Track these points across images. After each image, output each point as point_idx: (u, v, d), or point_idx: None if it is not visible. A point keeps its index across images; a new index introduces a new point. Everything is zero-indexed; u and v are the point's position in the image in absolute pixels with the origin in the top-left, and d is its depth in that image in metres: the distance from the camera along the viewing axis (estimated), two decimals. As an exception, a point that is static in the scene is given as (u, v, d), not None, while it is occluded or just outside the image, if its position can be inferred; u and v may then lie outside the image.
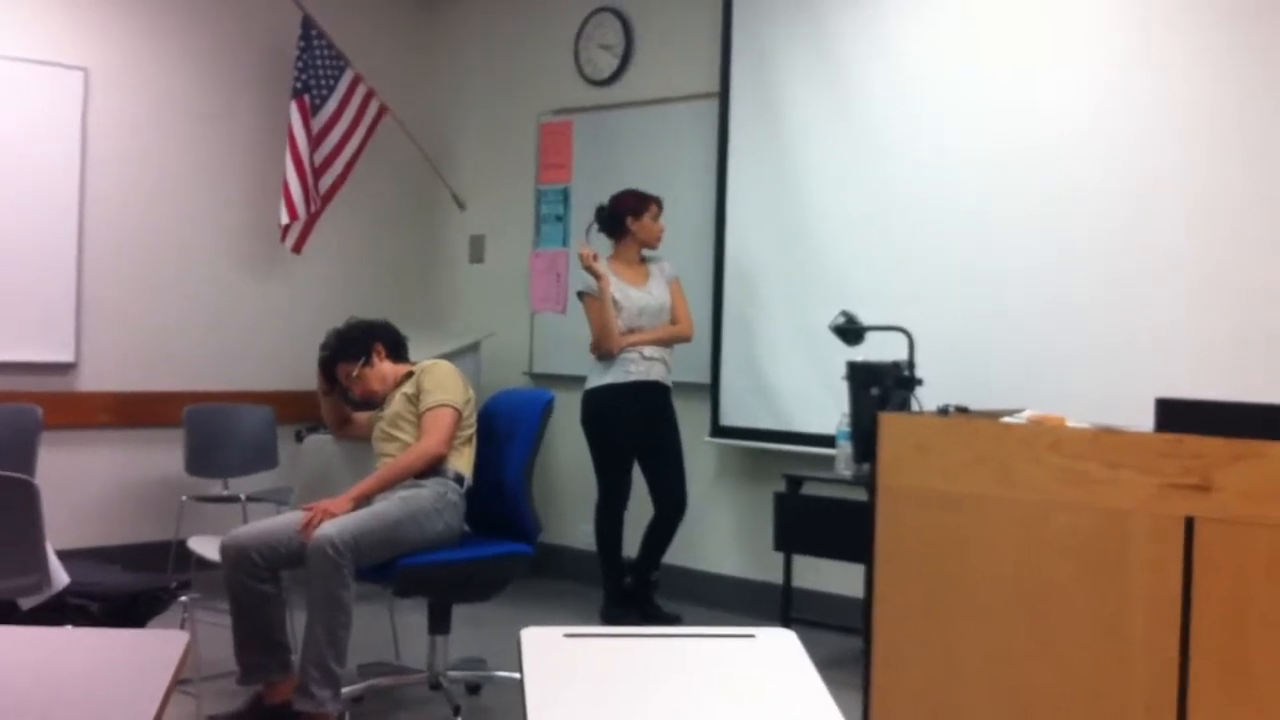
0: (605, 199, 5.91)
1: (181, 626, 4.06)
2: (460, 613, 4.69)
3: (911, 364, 4.74)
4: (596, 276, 5.67)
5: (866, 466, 4.00)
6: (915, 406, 4.63)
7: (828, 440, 5.28)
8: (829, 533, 4.96)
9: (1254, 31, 4.66)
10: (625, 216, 5.81)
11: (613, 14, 6.75)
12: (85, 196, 6.23)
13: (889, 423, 3.48)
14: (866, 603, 3.49)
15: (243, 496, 5.99)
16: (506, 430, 4.68)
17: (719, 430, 6.13)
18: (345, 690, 4.23)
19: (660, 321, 5.80)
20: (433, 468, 4.47)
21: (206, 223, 6.68)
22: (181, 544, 5.30)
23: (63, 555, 3.71)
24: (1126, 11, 4.96)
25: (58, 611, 3.65)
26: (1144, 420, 3.19)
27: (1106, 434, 3.11)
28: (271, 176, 6.69)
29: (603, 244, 5.90)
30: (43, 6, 6.16)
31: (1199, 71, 4.77)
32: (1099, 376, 4.90)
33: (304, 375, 5.57)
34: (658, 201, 5.85)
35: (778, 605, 5.33)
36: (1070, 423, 3.33)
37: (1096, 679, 3.06)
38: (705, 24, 6.30)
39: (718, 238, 6.13)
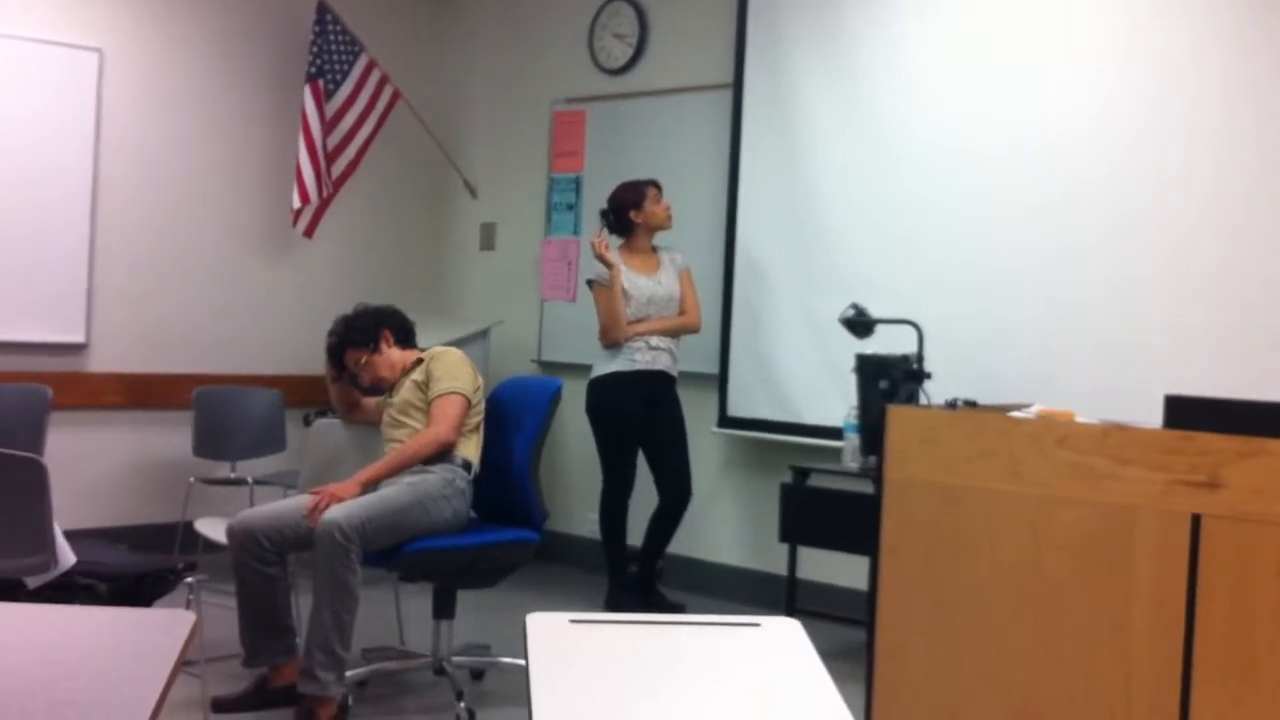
0: (616, 190, 5.90)
1: (187, 607, 4.07)
2: (465, 598, 4.70)
3: (920, 357, 4.73)
4: (608, 265, 5.67)
5: (873, 459, 4.00)
6: (923, 400, 4.63)
7: (835, 432, 5.27)
8: (835, 525, 4.96)
9: (1259, 27, 4.64)
10: (627, 211, 5.81)
11: (627, 3, 6.74)
12: (98, 177, 6.24)
13: (897, 416, 3.48)
14: (871, 595, 3.49)
15: (250, 479, 6.01)
16: (514, 417, 4.69)
17: (726, 421, 6.13)
18: (350, 674, 4.24)
19: (669, 311, 5.80)
20: (441, 454, 4.48)
21: (218, 206, 6.69)
22: (188, 525, 5.32)
23: (70, 535, 3.72)
24: (1131, 8, 4.95)
25: (64, 590, 3.67)
26: (1153, 417, 3.18)
27: (1115, 430, 3.11)
28: (284, 160, 6.70)
29: (616, 242, 5.89)
30: (58, -13, 6.17)
31: (1205, 67, 4.76)
32: (1108, 372, 4.89)
33: (313, 359, 5.57)
34: (654, 184, 5.84)
35: (782, 596, 5.33)
36: (1079, 418, 3.33)
37: (1100, 675, 3.06)
38: (719, 15, 6.29)
39: (729, 229, 6.13)
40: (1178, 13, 4.84)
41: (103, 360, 6.31)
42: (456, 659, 4.62)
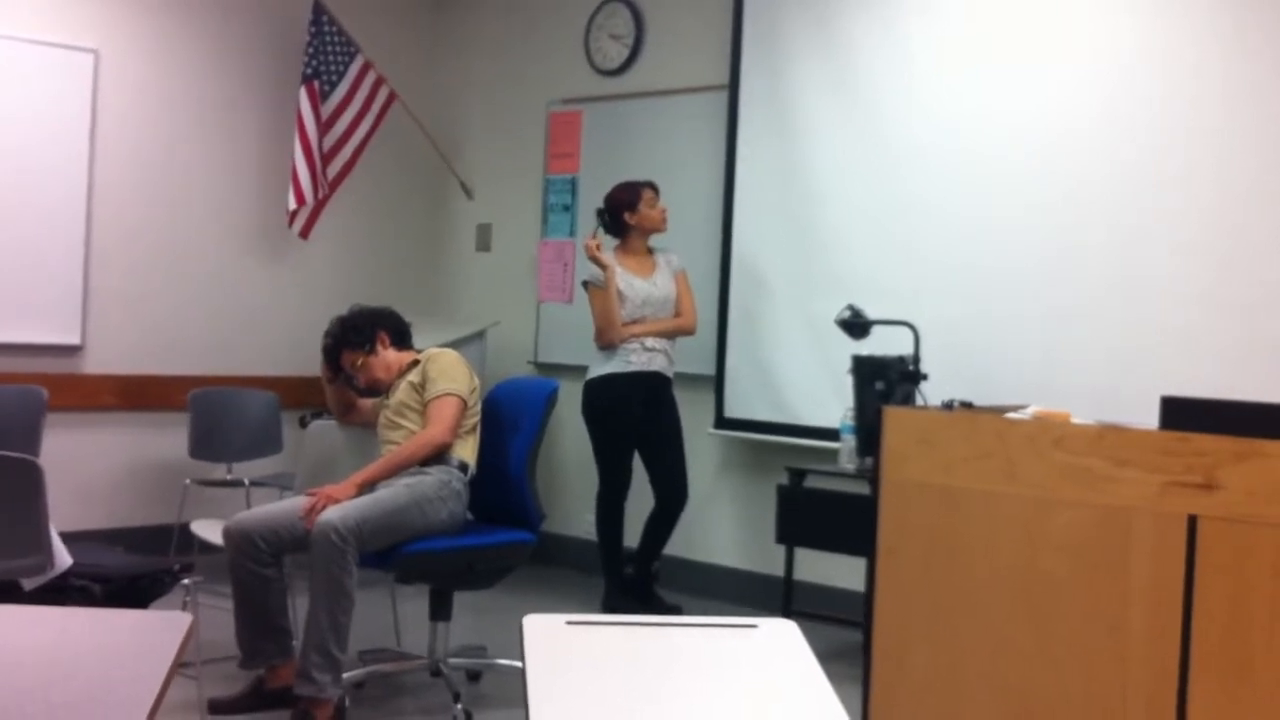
0: (612, 190, 5.90)
1: (184, 609, 4.07)
2: (462, 600, 4.70)
3: (917, 358, 4.74)
4: (602, 267, 5.68)
5: (870, 460, 4.00)
6: (920, 401, 4.63)
7: (831, 434, 5.27)
8: (831, 526, 4.96)
9: (1259, 27, 4.65)
10: (622, 212, 5.81)
11: (623, 4, 6.74)
12: (94, 179, 6.24)
13: (893, 417, 3.48)
14: (868, 596, 3.49)
15: (246, 481, 6.00)
16: (510, 419, 4.69)
17: (723, 422, 6.13)
18: (346, 675, 4.23)
19: (665, 313, 5.80)
20: (437, 455, 4.47)
21: (214, 207, 6.68)
22: (184, 527, 5.31)
23: (66, 537, 3.72)
24: (1132, 9, 4.96)
25: (60, 592, 3.66)
26: (1149, 418, 3.19)
27: (1111, 431, 3.11)
28: (280, 161, 6.69)
29: (612, 243, 5.89)
30: (53, -12, 6.16)
31: (1205, 67, 4.77)
32: (1105, 374, 4.90)
33: (309, 361, 5.57)
34: (650, 186, 5.84)
35: (779, 598, 5.34)
36: (1075, 419, 3.33)
37: (1097, 676, 3.06)
38: (716, 16, 6.30)
39: (725, 230, 6.13)
40: (1178, 13, 4.84)
41: (98, 362, 6.30)
42: (453, 660, 4.62)
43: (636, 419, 5.76)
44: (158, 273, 6.49)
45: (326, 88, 6.70)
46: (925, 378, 4.71)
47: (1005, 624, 3.20)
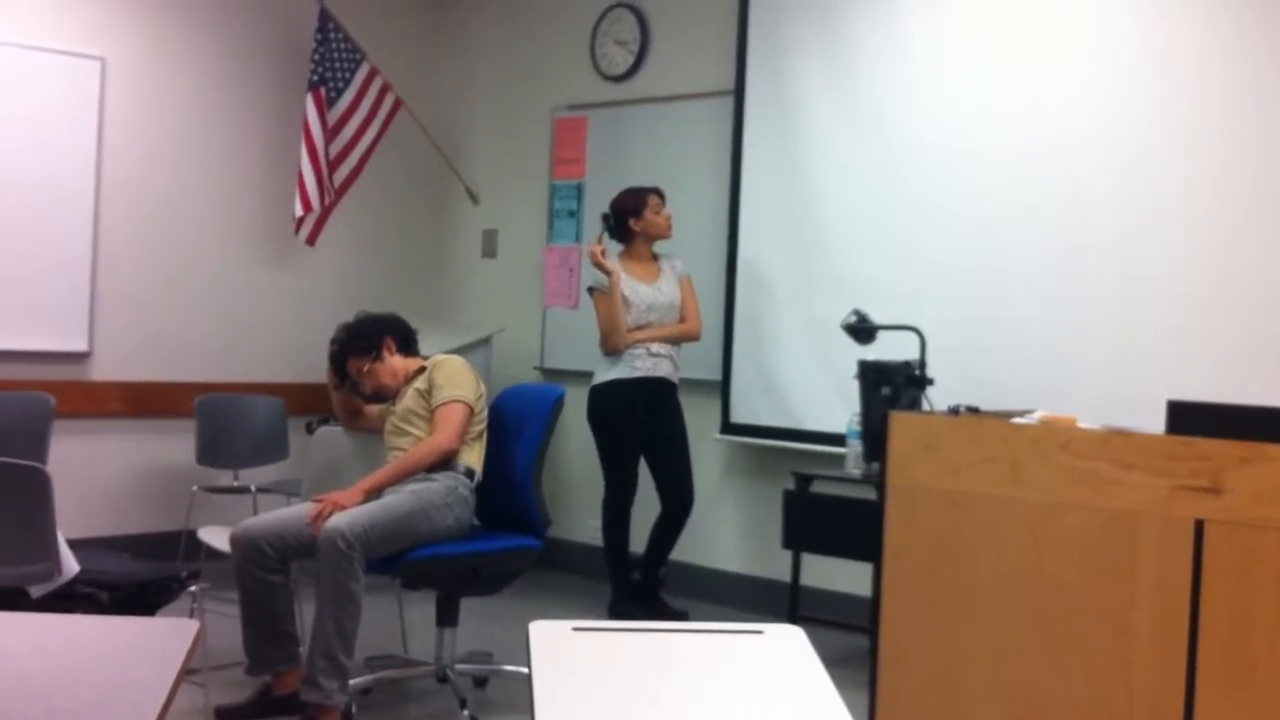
0: (618, 195, 5.91)
1: (190, 616, 4.07)
2: (468, 606, 4.70)
3: (922, 363, 4.74)
4: (606, 272, 5.68)
5: (876, 465, 4.00)
6: (925, 406, 4.63)
7: (837, 439, 5.27)
8: (837, 531, 4.96)
9: (1259, 27, 4.65)
10: (627, 218, 5.81)
11: (629, 10, 6.75)
12: (101, 186, 6.25)
13: (899, 422, 3.48)
14: (874, 601, 3.49)
15: (253, 487, 6.00)
16: (516, 425, 4.69)
17: (729, 427, 6.13)
18: (353, 682, 4.24)
19: (670, 318, 5.80)
20: (444, 462, 4.48)
21: (221, 214, 6.69)
22: (192, 534, 5.32)
23: (73, 544, 3.73)
24: (1133, 9, 4.96)
25: (67, 599, 3.67)
26: (1155, 422, 3.19)
27: (1117, 435, 3.11)
28: (286, 168, 6.71)
29: (617, 248, 5.90)
30: (60, -4, 6.18)
31: (1205, 67, 4.76)
32: (1110, 378, 4.89)
33: (315, 367, 5.57)
34: (656, 192, 5.84)
35: (785, 603, 5.33)
36: (1081, 424, 3.33)
37: (1103, 680, 3.06)
38: (721, 21, 6.30)
39: (730, 235, 6.13)
40: (1178, 13, 4.84)
41: (105, 368, 6.31)
42: (460, 667, 4.62)
43: (642, 424, 5.76)
44: (164, 279, 6.50)
45: (333, 94, 6.71)
46: (931, 382, 4.71)
47: (1011, 628, 3.20)
